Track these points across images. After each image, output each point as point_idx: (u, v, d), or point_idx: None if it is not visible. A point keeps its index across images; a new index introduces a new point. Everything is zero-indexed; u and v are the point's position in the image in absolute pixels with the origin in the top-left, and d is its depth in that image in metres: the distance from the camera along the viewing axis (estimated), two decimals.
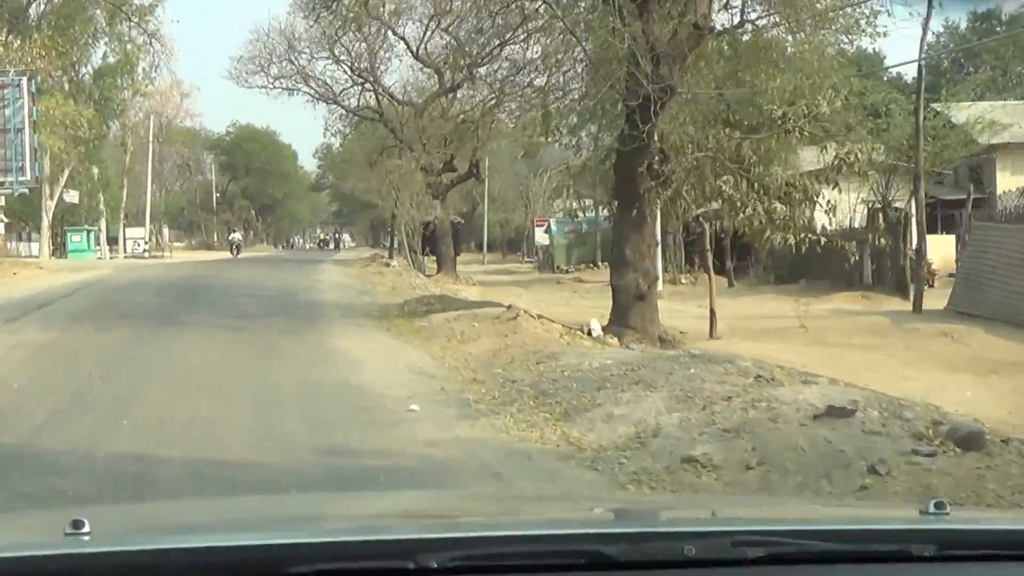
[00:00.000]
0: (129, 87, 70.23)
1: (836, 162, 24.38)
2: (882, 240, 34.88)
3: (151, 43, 68.23)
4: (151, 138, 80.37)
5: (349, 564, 2.55)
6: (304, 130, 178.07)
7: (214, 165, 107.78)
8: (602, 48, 22.66)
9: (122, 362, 16.59)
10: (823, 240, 26.56)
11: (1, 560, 2.49)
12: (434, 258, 47.78)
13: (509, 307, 21.78)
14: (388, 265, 43.79)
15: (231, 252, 69.86)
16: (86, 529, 2.59)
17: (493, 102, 42.97)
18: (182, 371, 15.56)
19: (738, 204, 24.51)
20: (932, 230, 38.38)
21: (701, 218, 26.41)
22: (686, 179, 23.36)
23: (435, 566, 2.51)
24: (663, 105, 20.87)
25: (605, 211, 62.00)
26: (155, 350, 17.90)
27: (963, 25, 70.21)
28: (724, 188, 24.38)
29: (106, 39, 66.84)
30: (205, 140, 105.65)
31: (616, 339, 21.25)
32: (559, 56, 28.46)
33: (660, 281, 44.33)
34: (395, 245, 55.72)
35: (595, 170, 28.45)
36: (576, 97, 25.56)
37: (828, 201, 25.07)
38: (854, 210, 39.93)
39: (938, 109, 40.66)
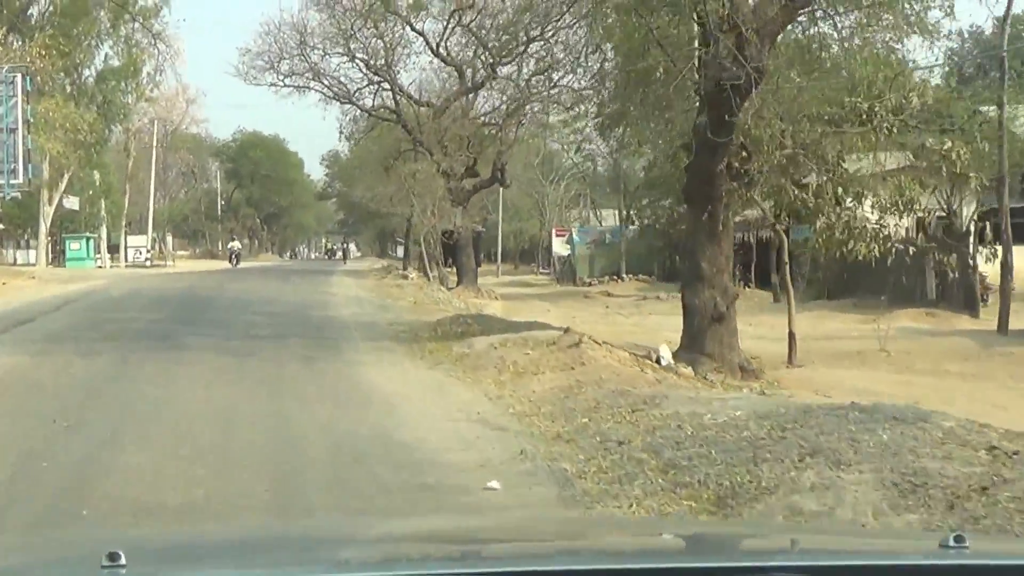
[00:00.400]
0: (133, 91, 67.07)
1: (937, 161, 20.89)
2: (940, 253, 31.45)
3: (156, 45, 65.37)
4: (155, 143, 76.63)
5: None
6: (311, 138, 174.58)
7: (219, 172, 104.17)
8: (670, 25, 19.17)
9: (99, 403, 12.92)
10: (911, 251, 23.15)
11: None
12: (452, 270, 44.07)
13: (567, 331, 18.08)
14: (406, 277, 40.20)
15: (230, 262, 66.85)
16: (122, 561, 2.55)
17: (518, 102, 39.40)
18: (174, 419, 11.87)
19: (823, 208, 21.09)
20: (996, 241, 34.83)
21: (773, 225, 22.64)
22: (765, 180, 19.72)
23: None
24: (750, 91, 17.28)
25: (639, 220, 59.63)
26: (143, 386, 14.23)
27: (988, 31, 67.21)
28: (802, 191, 20.98)
29: (110, 41, 63.90)
30: (210, 147, 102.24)
31: (690, 368, 17.66)
32: (600, 44, 25.29)
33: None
34: (409, 256, 52.15)
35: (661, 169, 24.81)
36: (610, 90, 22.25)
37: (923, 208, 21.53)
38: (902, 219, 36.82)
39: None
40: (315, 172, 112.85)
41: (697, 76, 18.10)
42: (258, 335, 21.03)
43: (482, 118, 41.21)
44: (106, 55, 66.16)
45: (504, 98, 40.58)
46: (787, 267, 22.44)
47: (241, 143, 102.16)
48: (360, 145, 54.27)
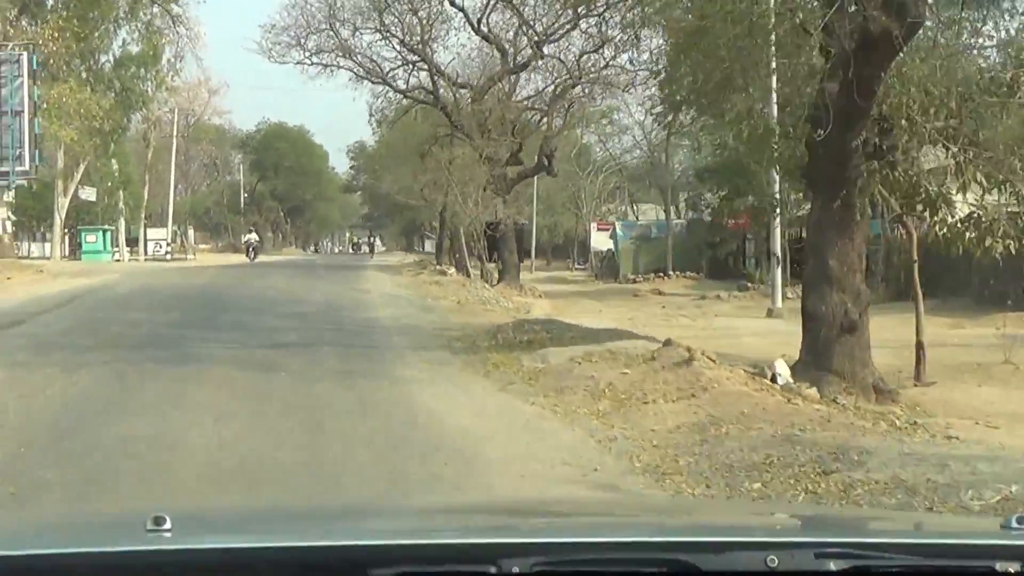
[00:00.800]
0: (153, 78, 63.76)
1: None
2: None
3: (175, 28, 62.12)
4: (175, 133, 73.23)
5: (431, 567, 2.49)
6: (336, 130, 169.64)
7: (242, 164, 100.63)
8: None
9: (69, 449, 9.29)
10: None
11: (85, 555, 2.48)
12: (492, 265, 40.34)
13: (667, 343, 14.44)
14: (443, 273, 36.58)
15: (247, 255, 62.31)
16: (167, 526, 2.53)
17: (566, 84, 35.75)
18: (171, 477, 8.29)
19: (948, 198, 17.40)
20: None
21: (900, 216, 18.88)
22: (908, 159, 15.98)
23: (517, 571, 2.42)
24: (900, 48, 13.71)
25: (689, 213, 55.67)
26: (135, 419, 10.65)
27: None
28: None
29: (128, 25, 60.59)
30: (233, 138, 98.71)
31: (814, 388, 14.02)
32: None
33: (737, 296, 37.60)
34: (442, 250, 48.54)
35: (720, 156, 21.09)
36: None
37: None
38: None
39: None
40: (339, 165, 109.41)
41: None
42: (284, 343, 17.49)
43: (526, 102, 37.49)
44: (124, 40, 62.90)
45: (551, 79, 36.95)
46: (916, 267, 18.61)
47: (265, 134, 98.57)
48: (391, 132, 50.62)
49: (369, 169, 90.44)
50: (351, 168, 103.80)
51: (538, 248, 70.10)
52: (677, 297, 37.58)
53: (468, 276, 35.37)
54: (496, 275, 35.85)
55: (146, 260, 64.72)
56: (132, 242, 69.13)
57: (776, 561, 2.52)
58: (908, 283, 33.95)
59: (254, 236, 67.65)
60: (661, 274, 47.55)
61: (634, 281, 47.18)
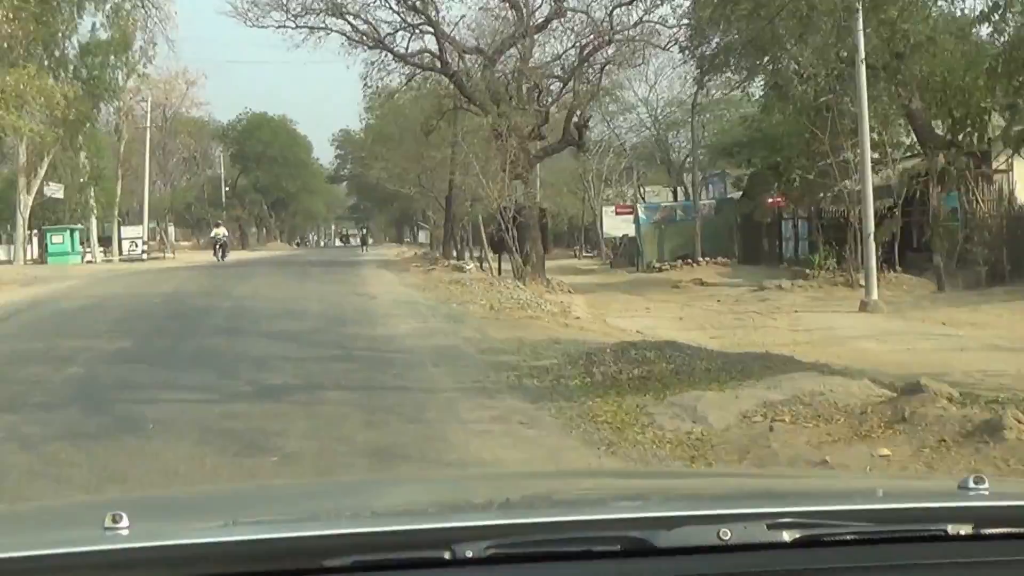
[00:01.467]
0: (123, 66, 57.93)
1: None
2: None
3: (144, 6, 56.35)
4: (148, 123, 67.18)
5: (385, 555, 2.42)
6: (320, 120, 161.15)
7: (223, 156, 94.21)
8: None
9: None
10: None
11: (40, 557, 2.39)
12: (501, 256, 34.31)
13: (913, 388, 8.63)
14: (461, 269, 30.67)
15: (215, 254, 55.19)
16: (124, 523, 2.43)
17: (596, 43, 29.87)
18: None
19: None
20: None
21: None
22: None
23: (471, 555, 2.38)
24: None
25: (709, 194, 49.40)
26: None
27: None
28: None
29: (92, 6, 54.74)
30: (213, 131, 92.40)
31: None
32: None
33: (790, 282, 31.66)
34: (450, 240, 42.61)
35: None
36: None
37: None
38: None
39: None
40: (323, 156, 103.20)
41: None
42: (274, 387, 11.67)
43: (546, 67, 31.49)
44: (93, 24, 57.30)
45: (575, 39, 31.01)
46: None
47: (247, 124, 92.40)
48: (383, 115, 44.65)
49: (356, 158, 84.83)
50: (336, 158, 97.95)
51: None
52: (724, 288, 31.79)
53: (490, 272, 29.46)
54: (516, 269, 29.91)
55: (121, 260, 58.71)
56: (106, 241, 63.28)
57: (729, 534, 2.43)
58: (997, 263, 28.64)
59: (222, 231, 59.94)
60: (689, 260, 41.82)
61: (660, 269, 41.45)
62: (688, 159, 57.26)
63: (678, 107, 58.68)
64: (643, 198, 59.81)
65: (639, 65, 34.09)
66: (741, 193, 45.27)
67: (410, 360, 14.05)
